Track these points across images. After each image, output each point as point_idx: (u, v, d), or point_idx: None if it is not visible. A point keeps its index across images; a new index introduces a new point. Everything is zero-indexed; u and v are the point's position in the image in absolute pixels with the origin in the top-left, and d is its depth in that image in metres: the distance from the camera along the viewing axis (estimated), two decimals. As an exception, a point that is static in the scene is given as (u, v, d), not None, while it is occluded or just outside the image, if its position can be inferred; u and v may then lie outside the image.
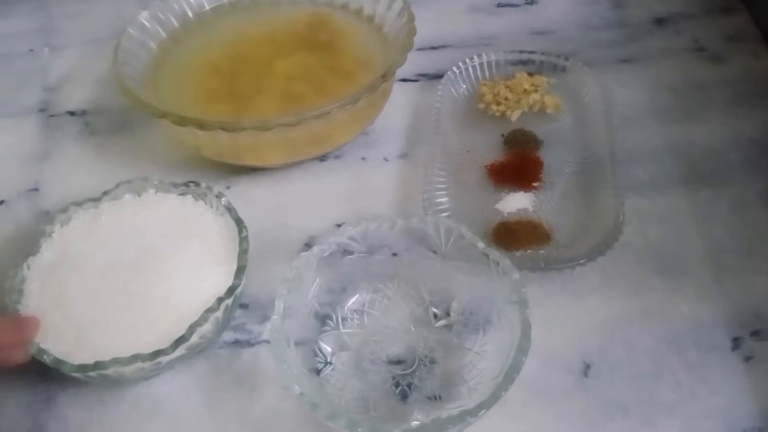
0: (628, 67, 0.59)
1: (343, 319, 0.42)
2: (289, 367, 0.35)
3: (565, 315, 0.43)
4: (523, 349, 0.35)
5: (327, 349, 0.41)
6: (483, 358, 0.39)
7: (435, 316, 0.42)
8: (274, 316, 0.37)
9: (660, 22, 0.63)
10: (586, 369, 0.40)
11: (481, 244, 0.40)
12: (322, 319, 0.42)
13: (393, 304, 0.43)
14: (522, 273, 0.38)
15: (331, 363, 0.40)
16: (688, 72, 0.58)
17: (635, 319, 0.42)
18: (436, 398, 0.39)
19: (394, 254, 0.43)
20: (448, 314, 0.42)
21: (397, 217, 0.42)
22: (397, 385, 0.39)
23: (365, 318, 0.43)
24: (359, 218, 0.42)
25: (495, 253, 0.39)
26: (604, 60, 0.59)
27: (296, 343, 0.39)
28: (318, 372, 0.40)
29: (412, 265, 0.43)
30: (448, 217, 0.46)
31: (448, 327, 0.42)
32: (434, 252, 0.42)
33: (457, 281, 0.42)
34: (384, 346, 0.41)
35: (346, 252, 0.42)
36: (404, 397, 0.39)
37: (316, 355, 0.41)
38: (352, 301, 0.43)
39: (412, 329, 0.42)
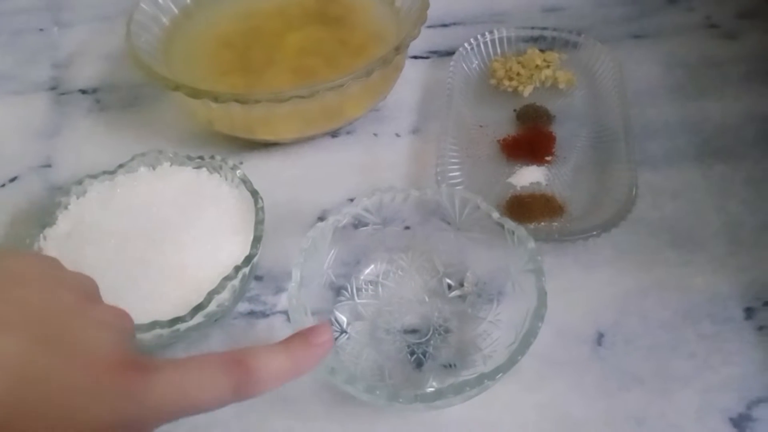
0: (641, 43, 0.58)
1: (358, 289, 0.43)
2: (307, 334, 0.35)
3: (578, 286, 0.43)
4: (539, 315, 0.35)
5: (342, 318, 0.41)
6: (497, 328, 0.39)
7: (449, 286, 0.42)
8: (292, 284, 0.37)
9: (672, -2, 0.63)
10: (600, 339, 0.40)
11: (496, 215, 0.40)
12: (337, 290, 0.42)
13: (407, 275, 0.43)
14: (536, 244, 0.38)
15: (346, 332, 0.41)
16: (701, 48, 0.58)
17: (649, 291, 0.42)
18: (451, 366, 0.39)
19: (407, 227, 0.43)
20: (462, 285, 0.42)
21: (411, 189, 0.42)
22: (412, 353, 0.40)
23: (379, 289, 0.43)
24: (373, 189, 0.42)
25: (510, 223, 0.39)
26: (617, 36, 0.59)
27: (312, 313, 0.39)
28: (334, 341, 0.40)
29: (425, 236, 0.43)
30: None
31: (462, 297, 0.42)
32: (448, 223, 0.42)
33: (471, 252, 0.42)
34: (398, 316, 0.41)
35: (361, 223, 0.42)
36: (419, 365, 0.39)
37: (332, 325, 0.41)
38: (367, 272, 0.43)
39: (427, 300, 0.42)
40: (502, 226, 0.39)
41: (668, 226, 0.45)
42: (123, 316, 0.30)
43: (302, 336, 0.32)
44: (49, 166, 0.53)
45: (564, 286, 0.42)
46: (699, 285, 0.42)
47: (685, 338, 0.40)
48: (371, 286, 0.43)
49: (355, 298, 0.42)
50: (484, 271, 0.42)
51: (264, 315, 0.43)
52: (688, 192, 0.47)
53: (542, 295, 0.36)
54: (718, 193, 0.47)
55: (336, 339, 0.40)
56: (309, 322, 0.37)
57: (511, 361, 0.33)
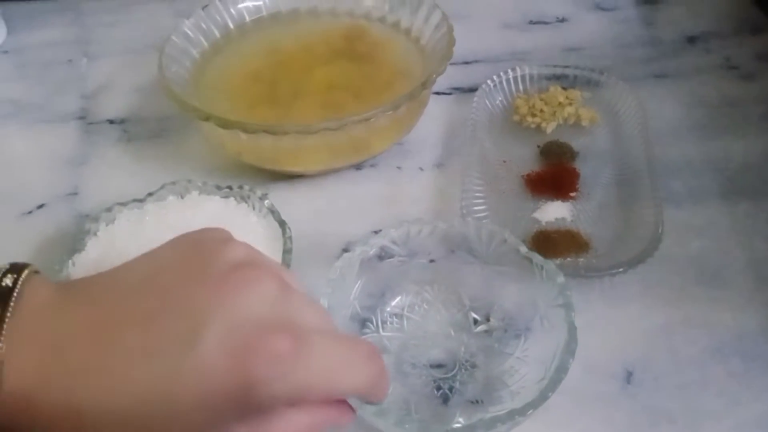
0: (662, 83, 0.59)
1: (383, 322, 0.42)
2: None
3: (606, 322, 0.42)
4: (570, 350, 0.35)
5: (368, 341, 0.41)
6: (525, 363, 0.39)
7: (475, 321, 0.42)
8: (320, 314, 0.37)
9: (691, 40, 0.64)
10: (629, 376, 0.40)
11: (523, 248, 0.40)
12: (362, 322, 0.42)
13: (432, 309, 0.43)
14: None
15: (372, 365, 0.40)
16: (722, 89, 0.58)
17: (677, 328, 0.42)
18: (478, 402, 0.38)
19: (432, 260, 0.43)
20: (488, 319, 0.42)
21: (438, 221, 0.42)
22: (438, 388, 0.39)
23: (405, 322, 0.43)
24: (400, 221, 0.42)
25: (539, 257, 0.39)
26: (638, 76, 0.60)
27: (339, 344, 0.39)
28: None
29: (451, 269, 0.43)
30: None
31: (488, 332, 0.42)
32: (474, 257, 0.42)
33: (498, 286, 0.42)
34: (424, 350, 0.41)
35: (387, 255, 0.42)
36: (446, 400, 0.39)
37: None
38: (392, 304, 0.43)
39: (452, 334, 0.42)
40: (530, 261, 0.39)
41: (694, 263, 0.45)
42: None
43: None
44: (75, 194, 0.53)
45: (591, 322, 0.42)
46: (727, 322, 0.42)
47: (715, 375, 0.40)
48: (396, 319, 0.43)
49: (380, 330, 0.42)
50: (510, 306, 0.42)
51: (289, 345, 0.42)
52: (714, 229, 0.47)
53: (572, 330, 0.36)
54: (743, 231, 0.47)
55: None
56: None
57: (543, 397, 0.33)
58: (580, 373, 0.39)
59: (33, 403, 0.26)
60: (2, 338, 0.26)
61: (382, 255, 0.42)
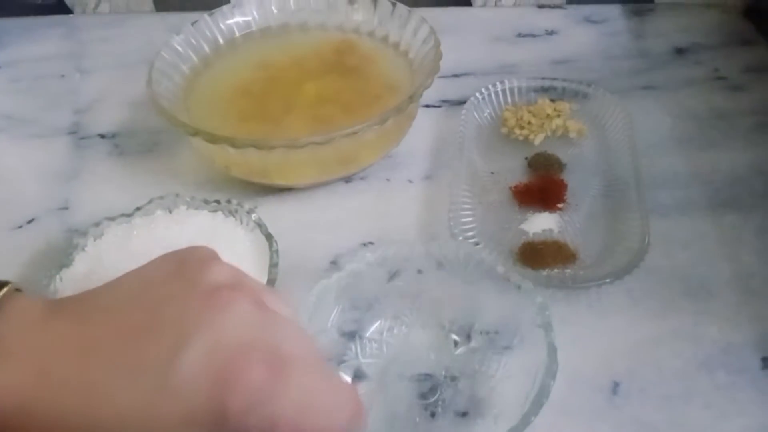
0: (650, 95, 0.60)
1: (363, 347, 0.42)
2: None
3: (592, 334, 0.42)
4: (551, 373, 0.35)
5: (346, 378, 0.40)
6: (507, 384, 0.39)
7: (456, 342, 0.42)
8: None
9: (680, 52, 0.64)
10: (615, 388, 0.40)
11: (501, 268, 0.40)
12: (343, 346, 0.42)
13: (413, 331, 0.42)
14: (548, 291, 0.39)
15: (355, 386, 0.40)
16: (710, 100, 0.59)
17: (663, 340, 0.42)
18: (461, 425, 0.38)
19: (412, 281, 0.43)
20: (469, 339, 0.42)
21: (417, 243, 0.42)
22: (421, 411, 0.39)
23: (384, 346, 0.42)
24: (378, 243, 0.42)
25: (517, 277, 0.39)
26: (626, 88, 0.60)
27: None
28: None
29: (432, 291, 0.43)
30: (474, 237, 0.47)
31: (470, 352, 0.41)
32: (455, 277, 0.42)
33: (479, 306, 0.42)
34: (404, 374, 0.41)
35: (365, 278, 0.42)
36: (428, 422, 0.39)
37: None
38: (372, 328, 0.42)
39: (433, 357, 0.41)
40: (509, 280, 0.39)
41: (681, 274, 0.45)
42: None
43: None
44: (66, 208, 0.54)
45: (577, 334, 0.42)
46: (713, 334, 0.42)
47: (701, 388, 0.40)
48: (376, 344, 0.42)
49: (360, 357, 0.41)
50: (492, 325, 0.41)
51: (276, 359, 0.43)
52: (700, 241, 0.47)
53: (552, 352, 0.36)
54: (729, 243, 0.47)
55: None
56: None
57: (525, 422, 0.33)
58: (565, 385, 0.39)
59: (19, 419, 0.26)
60: None
61: (361, 278, 0.42)
